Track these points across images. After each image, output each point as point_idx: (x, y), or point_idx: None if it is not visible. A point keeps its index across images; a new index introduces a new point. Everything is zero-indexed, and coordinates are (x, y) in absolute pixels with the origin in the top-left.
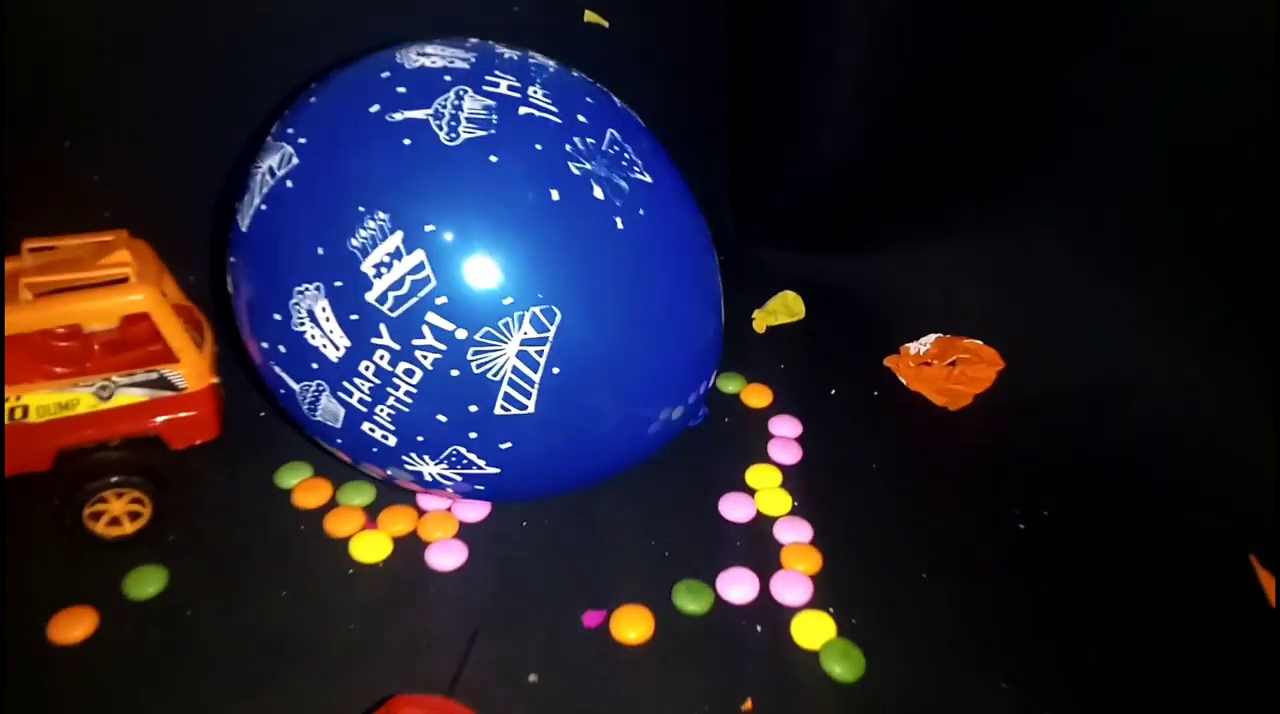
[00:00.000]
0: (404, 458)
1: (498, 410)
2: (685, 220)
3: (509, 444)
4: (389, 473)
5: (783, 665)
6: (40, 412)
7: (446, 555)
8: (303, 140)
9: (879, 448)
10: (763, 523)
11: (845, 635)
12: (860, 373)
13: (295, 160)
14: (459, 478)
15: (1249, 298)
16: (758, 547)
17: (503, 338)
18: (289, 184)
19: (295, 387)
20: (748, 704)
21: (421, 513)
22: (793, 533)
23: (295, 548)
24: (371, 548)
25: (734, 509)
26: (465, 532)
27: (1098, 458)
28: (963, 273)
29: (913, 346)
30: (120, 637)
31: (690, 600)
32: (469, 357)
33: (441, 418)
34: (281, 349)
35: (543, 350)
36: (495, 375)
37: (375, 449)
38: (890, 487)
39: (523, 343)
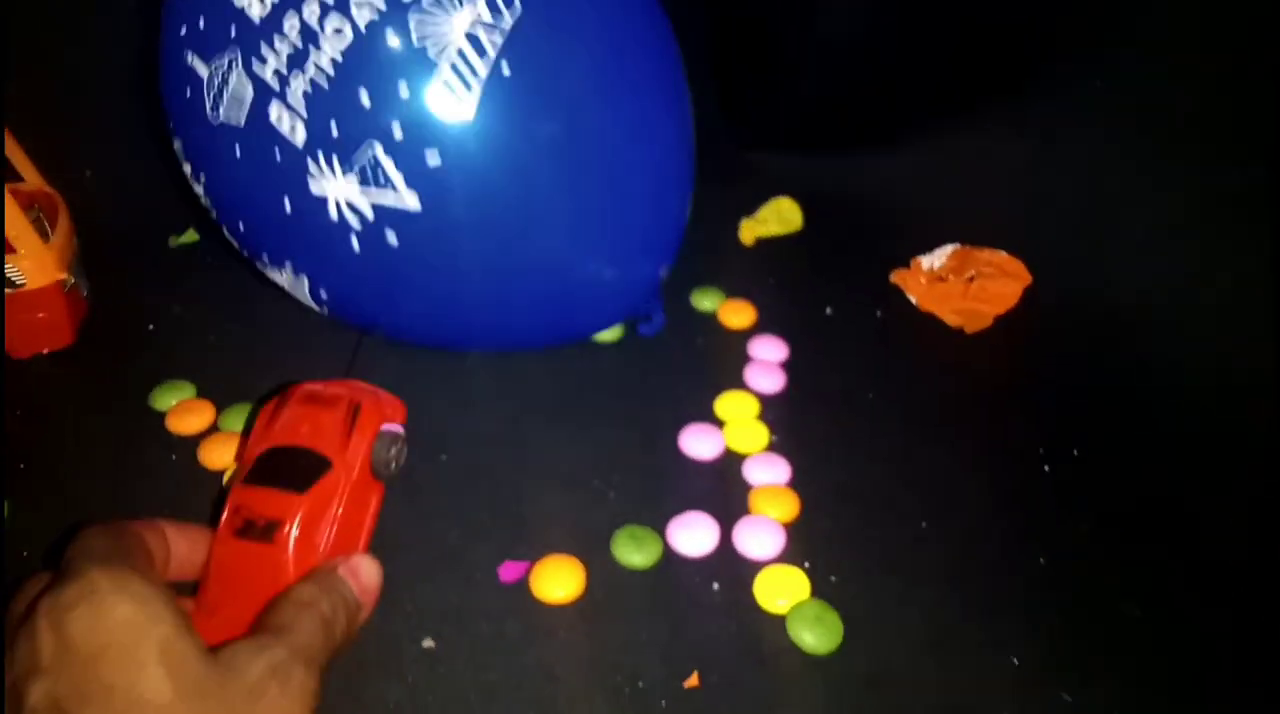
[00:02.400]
0: (310, 167)
1: (429, 97)
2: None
3: (437, 161)
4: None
5: (741, 631)
6: None
7: None
8: None
9: (879, 376)
10: (731, 461)
11: (820, 596)
12: (862, 289)
13: None
14: (369, 215)
15: None
16: (722, 488)
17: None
18: None
19: (204, 73)
20: (693, 679)
21: None
22: (767, 473)
23: (164, 481)
24: None
25: (698, 444)
26: None
27: (1137, 389)
28: (984, 174)
29: (925, 259)
30: None
31: (632, 550)
32: (410, 20)
33: (365, 100)
34: (201, 25)
35: (496, 40)
36: (436, 53)
37: (279, 155)
38: (890, 421)
39: (474, 23)
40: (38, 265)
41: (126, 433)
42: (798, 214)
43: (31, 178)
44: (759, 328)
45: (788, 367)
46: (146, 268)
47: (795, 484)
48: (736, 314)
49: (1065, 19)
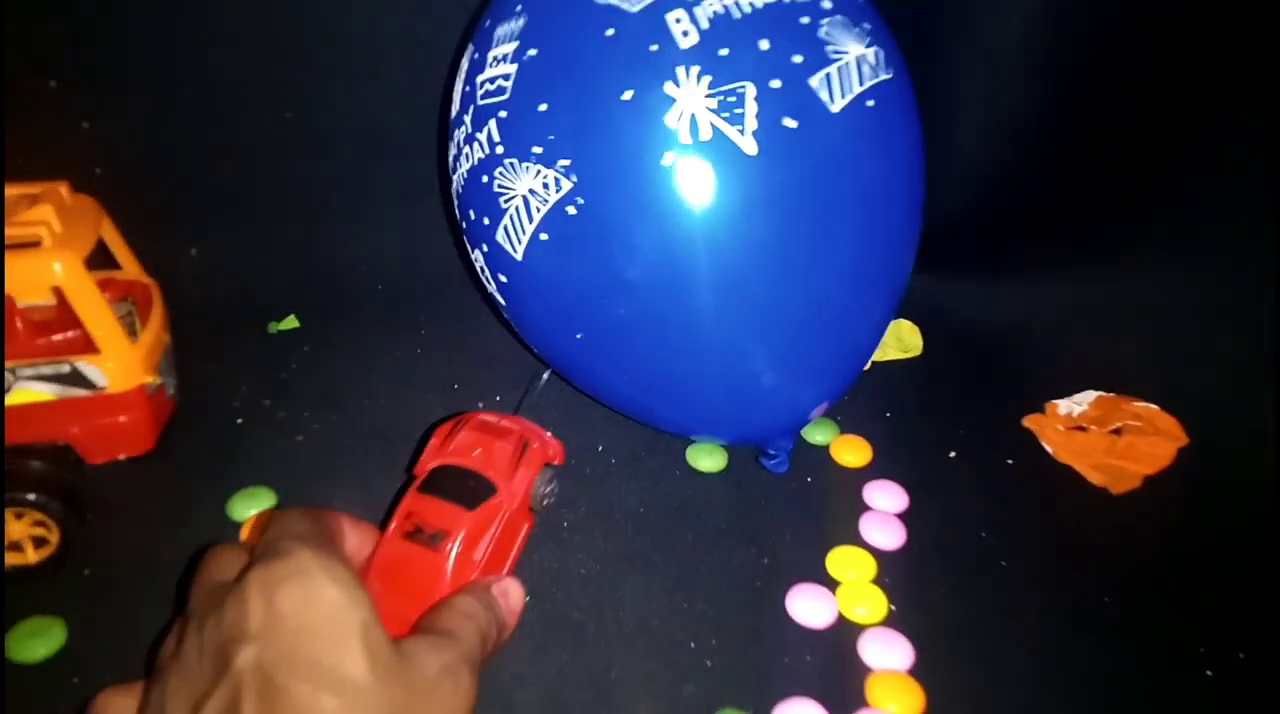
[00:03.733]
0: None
1: (498, 237)
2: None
3: (504, 277)
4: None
5: None
6: None
7: None
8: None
9: (1012, 539)
10: (845, 632)
11: None
12: (990, 433)
13: None
14: (494, 286)
15: None
16: (834, 668)
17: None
18: None
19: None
20: None
21: None
22: (886, 653)
23: None
24: None
25: (808, 608)
26: None
27: None
28: (1130, 315)
29: (1063, 405)
30: None
31: None
32: (496, 173)
33: (472, 214)
34: None
35: (541, 207)
36: (505, 203)
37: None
38: (1027, 599)
39: (529, 191)
40: (121, 367)
41: (200, 546)
42: (918, 339)
43: (129, 266)
44: (875, 469)
45: (907, 519)
46: (241, 355)
47: (918, 672)
48: (850, 451)
49: (1225, 136)
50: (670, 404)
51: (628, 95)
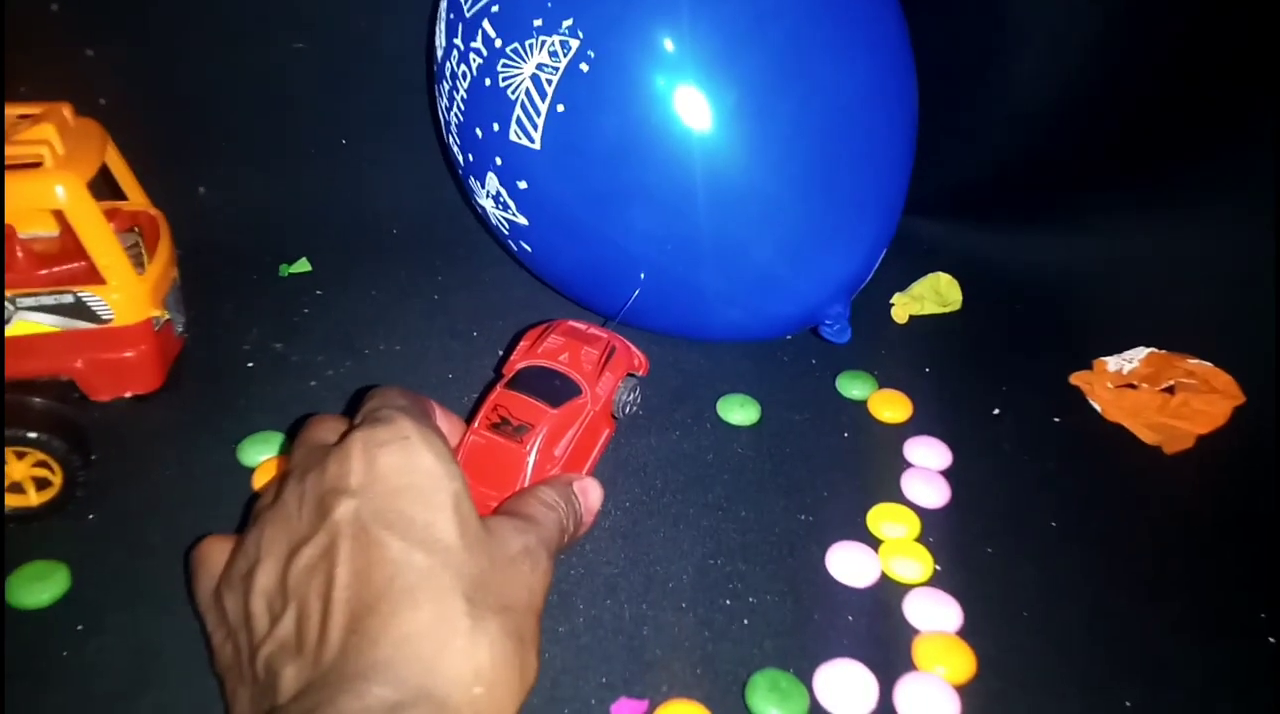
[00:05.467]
0: (471, 183)
1: (511, 135)
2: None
3: (524, 182)
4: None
5: None
6: None
7: None
8: None
9: (1062, 498)
10: (889, 592)
11: None
12: (1035, 389)
13: None
14: (506, 226)
15: None
16: (880, 629)
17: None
18: None
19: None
20: None
21: None
22: (933, 613)
23: None
24: None
25: (849, 566)
26: None
27: None
28: (1188, 264)
29: (1112, 361)
30: None
31: (773, 703)
32: (499, 67)
33: (478, 132)
34: None
35: (552, 79)
36: (513, 93)
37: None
38: (1079, 560)
39: (537, 67)
40: (128, 299)
41: (209, 489)
42: (957, 292)
43: (135, 196)
44: (915, 425)
45: (950, 477)
46: (252, 297)
47: (967, 633)
48: (890, 406)
49: None
50: (718, 275)
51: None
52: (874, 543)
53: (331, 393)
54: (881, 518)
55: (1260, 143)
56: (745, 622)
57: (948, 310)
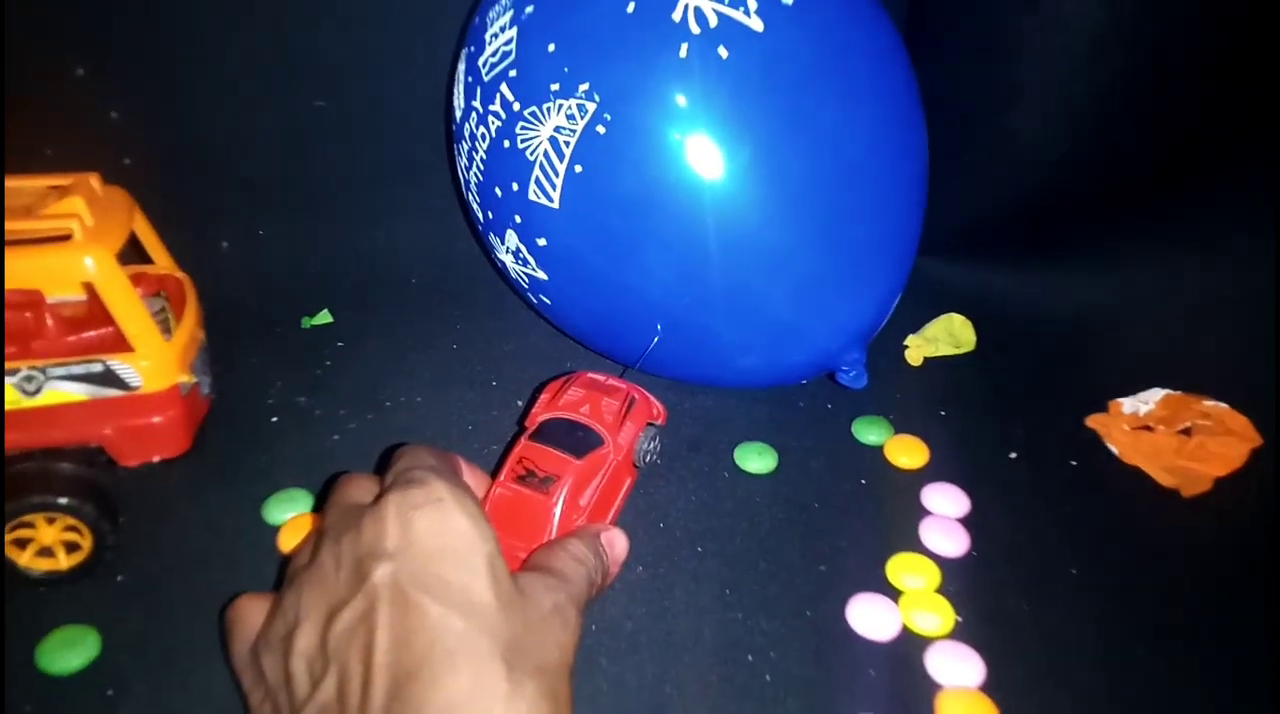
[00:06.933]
0: (490, 239)
1: (530, 195)
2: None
3: (543, 239)
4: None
5: None
6: None
7: None
8: None
9: (1081, 545)
10: (911, 645)
11: None
12: (1052, 432)
13: None
14: (525, 280)
15: None
16: (902, 685)
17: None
18: None
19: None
20: None
21: None
22: (955, 668)
23: None
24: None
25: (869, 619)
26: None
27: None
28: (1203, 304)
29: (1128, 403)
30: None
31: None
32: (517, 129)
33: (498, 191)
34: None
35: (570, 140)
36: (531, 155)
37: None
38: (1100, 609)
39: (555, 130)
40: (156, 366)
41: (236, 548)
42: (971, 333)
43: (161, 259)
44: (932, 471)
45: (969, 524)
46: (275, 351)
47: (990, 687)
48: (906, 452)
49: None
50: (734, 324)
51: (631, 7)
52: (894, 594)
53: (354, 447)
54: (901, 568)
55: (1277, 182)
56: (767, 678)
57: (961, 351)
